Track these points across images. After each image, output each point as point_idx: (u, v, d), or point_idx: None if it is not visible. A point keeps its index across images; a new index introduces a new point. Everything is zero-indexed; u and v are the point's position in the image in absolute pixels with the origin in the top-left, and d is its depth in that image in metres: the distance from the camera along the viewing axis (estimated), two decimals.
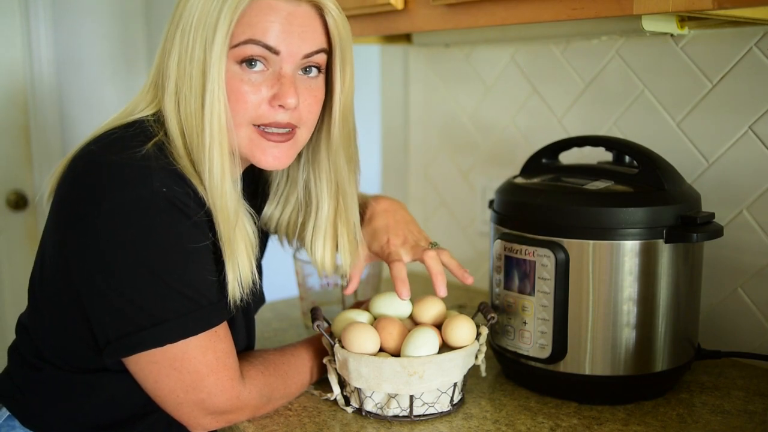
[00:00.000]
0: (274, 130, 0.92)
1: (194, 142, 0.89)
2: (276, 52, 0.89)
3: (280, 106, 0.90)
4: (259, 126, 0.91)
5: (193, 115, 0.88)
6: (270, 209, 1.10)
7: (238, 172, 0.96)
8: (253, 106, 0.90)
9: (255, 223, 0.96)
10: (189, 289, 0.85)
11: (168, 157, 0.87)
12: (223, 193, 0.88)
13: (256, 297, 1.04)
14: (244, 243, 0.91)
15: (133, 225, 0.82)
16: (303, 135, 0.96)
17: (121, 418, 0.94)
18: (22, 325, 1.00)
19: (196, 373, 0.87)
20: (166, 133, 0.90)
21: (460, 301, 1.51)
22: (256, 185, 1.12)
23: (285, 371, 1.00)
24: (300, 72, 0.93)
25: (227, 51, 0.87)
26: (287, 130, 0.92)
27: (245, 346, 1.01)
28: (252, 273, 0.92)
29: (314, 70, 0.94)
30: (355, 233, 1.07)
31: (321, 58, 0.94)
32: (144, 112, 0.93)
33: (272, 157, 0.93)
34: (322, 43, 0.93)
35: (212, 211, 0.88)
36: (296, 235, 1.11)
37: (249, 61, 0.89)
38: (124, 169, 0.83)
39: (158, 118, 0.92)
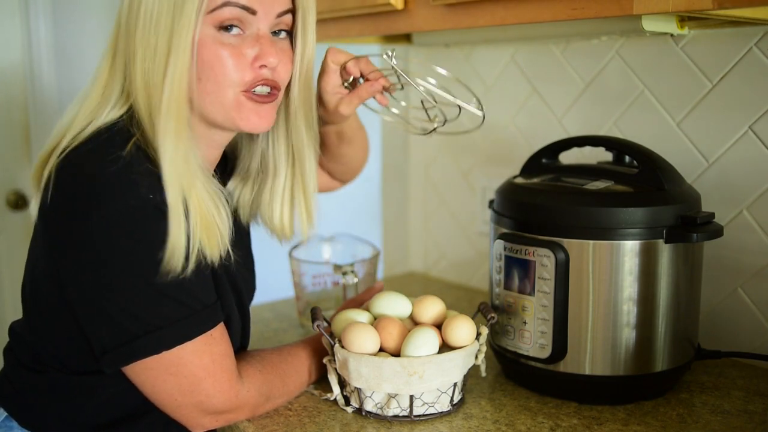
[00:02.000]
0: (260, 90, 0.92)
1: (155, 113, 0.87)
2: (253, 12, 0.89)
3: (261, 66, 0.90)
4: (245, 90, 0.91)
5: (156, 86, 0.87)
6: (232, 185, 1.08)
7: (206, 150, 0.96)
8: (237, 69, 0.89)
9: (228, 204, 0.95)
10: (182, 294, 0.85)
11: (148, 157, 0.86)
12: (175, 159, 0.86)
13: (248, 286, 1.04)
14: (203, 218, 0.88)
15: (123, 235, 0.82)
16: (280, 96, 0.96)
17: (120, 417, 0.94)
18: (15, 331, 1.00)
19: (193, 376, 0.87)
20: (143, 132, 0.88)
21: (460, 302, 1.52)
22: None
23: (284, 370, 1.00)
24: (271, 34, 0.93)
25: (202, 17, 0.86)
26: (269, 90, 0.92)
27: (241, 340, 1.01)
28: (219, 251, 0.90)
29: (283, 32, 0.95)
30: (312, 202, 1.06)
31: (289, 19, 0.95)
32: (116, 109, 0.91)
33: (258, 118, 0.92)
34: (289, 3, 0.94)
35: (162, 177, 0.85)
36: (251, 203, 1.08)
37: (226, 27, 0.88)
38: (109, 180, 0.82)
39: (132, 115, 0.90)
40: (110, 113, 0.91)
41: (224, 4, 0.87)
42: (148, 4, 0.87)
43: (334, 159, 1.23)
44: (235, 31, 0.89)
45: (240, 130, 0.94)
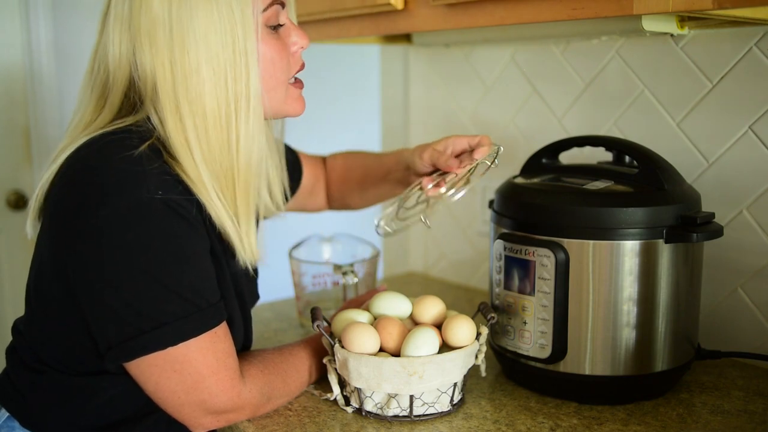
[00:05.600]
0: (298, 76, 1.00)
1: (223, 127, 0.90)
2: (283, 5, 0.95)
3: (298, 49, 0.98)
4: (291, 79, 0.98)
5: (234, 92, 0.90)
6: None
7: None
8: (288, 62, 0.96)
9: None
10: (188, 291, 0.85)
11: (162, 159, 0.87)
12: (259, 167, 0.94)
13: (252, 293, 1.04)
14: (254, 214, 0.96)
15: (130, 230, 0.82)
16: None
17: (121, 419, 0.94)
18: (17, 329, 1.00)
19: (197, 374, 0.87)
20: (158, 137, 0.89)
21: (460, 301, 1.52)
22: None
23: (284, 370, 1.00)
24: None
25: (259, 17, 0.91)
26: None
27: (243, 344, 1.01)
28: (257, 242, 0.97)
29: None
30: None
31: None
32: (126, 121, 0.91)
33: (302, 103, 1.01)
34: None
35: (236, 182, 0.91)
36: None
37: (274, 26, 0.94)
38: (119, 175, 0.83)
39: (145, 122, 0.91)
40: (126, 119, 0.92)
41: (273, 3, 0.93)
42: (199, 23, 0.88)
43: (369, 199, 1.32)
44: (280, 27, 0.95)
45: (287, 117, 1.02)
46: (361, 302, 1.16)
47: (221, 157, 0.90)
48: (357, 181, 1.31)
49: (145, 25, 0.88)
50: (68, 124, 0.97)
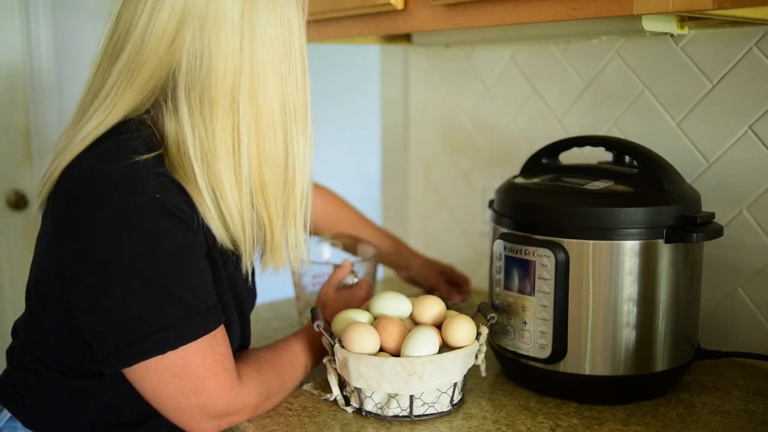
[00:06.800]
0: None
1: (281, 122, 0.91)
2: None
3: None
4: None
5: (294, 98, 0.91)
6: None
7: None
8: None
9: None
10: (187, 294, 0.85)
11: (163, 164, 0.86)
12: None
13: (249, 295, 1.05)
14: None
15: (128, 233, 0.81)
16: None
17: (122, 421, 0.93)
18: (17, 330, 1.00)
19: (197, 377, 0.87)
20: (166, 138, 0.87)
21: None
22: None
23: (279, 366, 1.00)
24: None
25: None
26: None
27: (240, 345, 1.01)
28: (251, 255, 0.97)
29: None
30: None
31: None
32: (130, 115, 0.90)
33: None
34: None
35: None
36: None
37: None
38: (116, 178, 0.82)
39: (147, 121, 0.89)
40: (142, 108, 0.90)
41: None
42: (268, 32, 0.88)
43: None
44: None
45: None
46: (335, 282, 1.19)
47: (276, 162, 0.90)
48: (335, 226, 1.46)
49: (208, 13, 0.85)
50: (83, 95, 0.93)
